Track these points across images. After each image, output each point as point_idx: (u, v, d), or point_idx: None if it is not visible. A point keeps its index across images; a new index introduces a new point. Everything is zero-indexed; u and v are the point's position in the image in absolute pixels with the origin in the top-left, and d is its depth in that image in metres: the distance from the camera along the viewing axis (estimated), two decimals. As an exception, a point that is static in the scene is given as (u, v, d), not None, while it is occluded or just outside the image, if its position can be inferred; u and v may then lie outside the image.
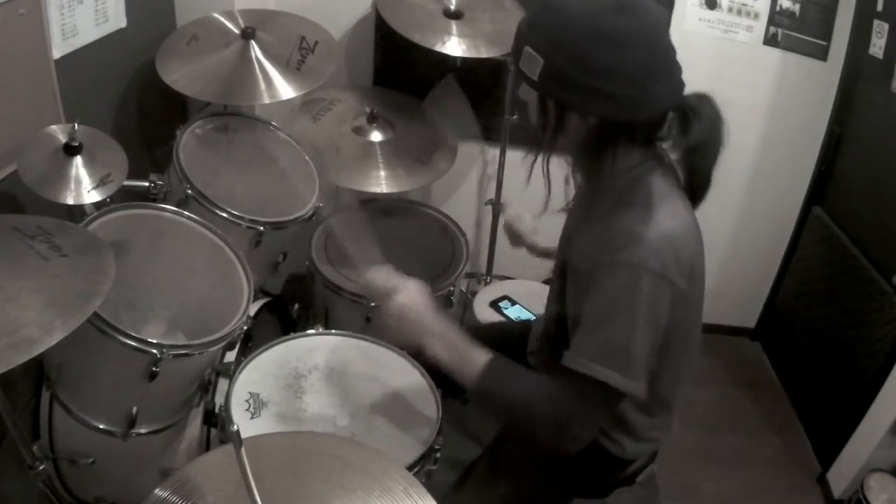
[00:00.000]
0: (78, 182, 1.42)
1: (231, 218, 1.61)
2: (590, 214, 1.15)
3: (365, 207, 2.24)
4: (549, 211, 1.21)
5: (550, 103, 1.05)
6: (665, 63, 1.02)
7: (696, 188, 1.11)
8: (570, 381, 1.01)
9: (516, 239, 1.63)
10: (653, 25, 1.01)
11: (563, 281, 1.21)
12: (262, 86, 1.80)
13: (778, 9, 2.21)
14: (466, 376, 1.09)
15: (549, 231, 1.43)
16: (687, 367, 1.21)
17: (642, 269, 0.98)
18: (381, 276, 1.24)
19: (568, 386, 1.02)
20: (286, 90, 1.81)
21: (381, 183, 2.05)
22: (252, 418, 1.30)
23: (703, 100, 1.06)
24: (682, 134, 1.05)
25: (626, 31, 0.97)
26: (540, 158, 1.12)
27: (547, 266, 1.58)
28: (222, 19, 1.93)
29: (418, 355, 1.26)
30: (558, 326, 1.25)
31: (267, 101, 1.79)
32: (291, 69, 1.86)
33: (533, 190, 1.18)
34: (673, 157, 1.12)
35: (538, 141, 1.11)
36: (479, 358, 1.09)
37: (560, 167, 1.17)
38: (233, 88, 1.78)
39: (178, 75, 1.79)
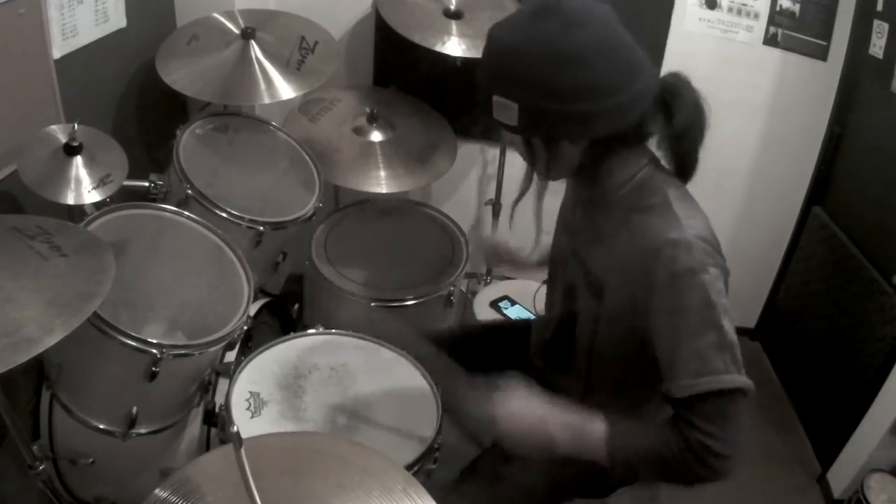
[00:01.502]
0: (78, 182, 1.42)
1: (231, 218, 1.61)
2: (601, 229, 1.13)
3: (365, 207, 2.25)
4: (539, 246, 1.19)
5: (537, 141, 1.04)
6: (631, 59, 0.99)
7: (686, 171, 1.09)
8: (701, 406, 0.96)
9: (496, 260, 1.58)
10: (606, 28, 0.98)
11: (572, 294, 1.20)
12: (262, 86, 1.80)
13: (778, 9, 2.21)
14: (594, 457, 1.03)
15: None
16: None
17: (702, 270, 0.97)
18: (479, 395, 1.14)
19: (701, 414, 0.96)
20: (286, 90, 1.81)
21: (381, 183, 2.05)
22: (252, 418, 1.30)
23: (678, 80, 1.04)
24: (667, 121, 1.03)
25: (582, 46, 0.95)
26: (536, 196, 1.12)
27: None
28: (222, 19, 1.94)
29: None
30: (565, 331, 1.25)
31: (267, 101, 1.79)
32: (291, 69, 1.86)
33: (533, 189, 1.18)
34: (653, 142, 1.09)
35: (532, 176, 1.10)
36: (598, 432, 1.03)
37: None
38: (233, 88, 1.78)
39: (178, 75, 1.79)
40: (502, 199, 2.38)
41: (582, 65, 0.95)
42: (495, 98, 1.00)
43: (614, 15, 1.00)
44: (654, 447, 1.01)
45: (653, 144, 1.10)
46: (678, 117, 1.01)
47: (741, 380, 0.97)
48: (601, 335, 1.17)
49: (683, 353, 0.98)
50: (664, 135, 1.06)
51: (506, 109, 1.00)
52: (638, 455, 1.03)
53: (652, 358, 1.04)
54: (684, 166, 1.09)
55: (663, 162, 1.11)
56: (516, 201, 1.17)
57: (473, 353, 1.54)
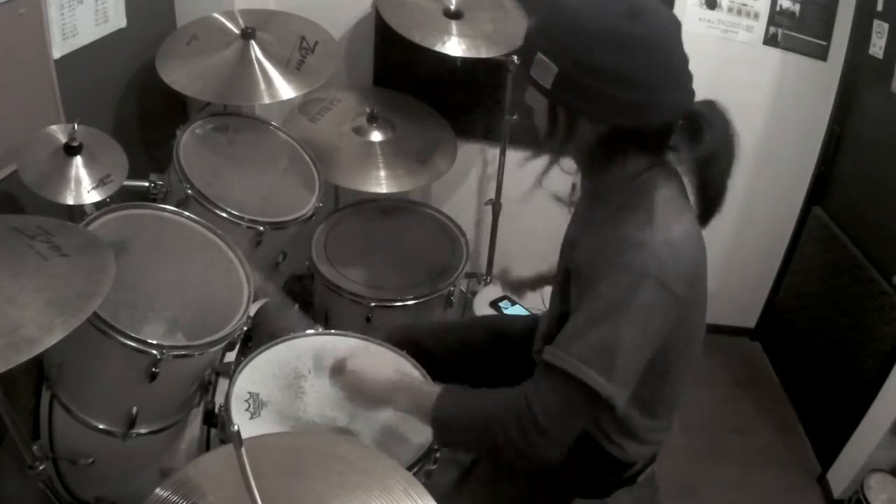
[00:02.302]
0: (78, 182, 1.42)
1: (231, 218, 1.61)
2: (593, 219, 1.14)
3: (365, 207, 2.25)
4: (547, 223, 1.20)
5: (561, 110, 1.04)
6: (677, 71, 1.01)
7: (709, 201, 1.09)
8: (546, 376, 1.00)
9: (518, 288, 1.62)
10: (665, 32, 1.00)
11: (567, 284, 1.21)
12: (262, 86, 1.80)
13: (778, 9, 2.21)
14: (426, 411, 1.09)
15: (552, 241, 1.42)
16: (688, 371, 1.21)
17: (643, 275, 0.96)
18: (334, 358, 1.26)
19: (544, 381, 1.00)
20: (286, 90, 1.81)
21: (381, 183, 2.05)
22: (252, 418, 1.30)
23: (713, 108, 1.05)
24: (693, 143, 1.04)
25: (639, 36, 0.96)
26: (546, 165, 1.12)
27: (540, 276, 1.59)
28: (222, 19, 1.93)
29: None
30: (559, 327, 1.25)
31: (267, 101, 1.79)
32: (291, 69, 1.86)
33: (532, 190, 1.17)
34: (682, 169, 1.10)
35: (546, 146, 1.10)
36: (434, 389, 1.11)
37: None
38: (233, 88, 1.78)
39: (178, 75, 1.79)
40: (502, 199, 2.38)
41: (628, 52, 0.96)
42: (539, 56, 1.01)
43: (679, 30, 1.02)
44: (485, 404, 1.05)
45: (680, 167, 1.11)
46: (706, 141, 1.02)
47: (599, 382, 0.96)
48: None
49: (570, 326, 1.00)
50: (690, 158, 1.06)
51: (545, 69, 1.00)
52: (462, 408, 1.08)
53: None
54: (709, 198, 1.08)
55: (689, 190, 1.10)
56: (542, 175, 1.15)
57: (476, 350, 1.55)
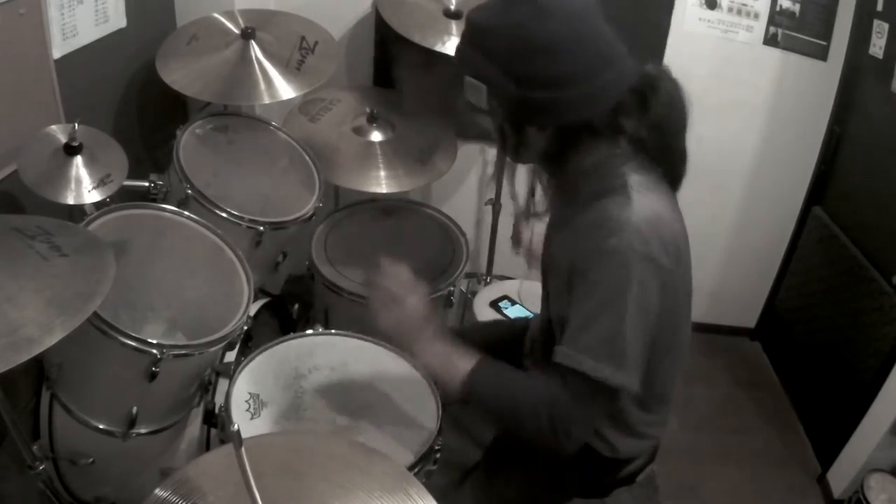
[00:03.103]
0: (78, 182, 1.42)
1: (231, 218, 1.61)
2: (566, 215, 1.13)
3: (365, 207, 2.25)
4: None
5: (506, 125, 1.05)
6: (606, 51, 0.99)
7: (672, 167, 1.08)
8: (562, 378, 0.99)
9: (518, 241, 1.61)
10: (577, 19, 0.97)
11: (550, 284, 1.21)
12: (262, 86, 1.80)
13: (778, 9, 2.21)
14: (455, 382, 1.07)
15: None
16: (680, 361, 1.20)
17: (629, 254, 0.95)
18: (392, 276, 1.18)
19: (560, 384, 0.99)
20: (286, 90, 1.81)
21: (381, 183, 2.04)
22: (252, 418, 1.30)
23: (658, 72, 1.03)
24: (642, 113, 1.02)
25: (553, 34, 0.95)
26: (507, 172, 1.13)
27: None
28: (222, 19, 1.93)
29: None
30: (547, 328, 1.25)
31: (267, 101, 1.79)
32: (291, 69, 1.86)
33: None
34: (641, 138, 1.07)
35: (504, 157, 1.11)
36: (466, 363, 1.08)
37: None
38: (233, 88, 1.78)
39: (178, 75, 1.79)
40: (502, 199, 2.38)
41: (548, 54, 0.96)
42: (467, 79, 1.02)
43: (594, 6, 1.00)
44: (517, 399, 1.04)
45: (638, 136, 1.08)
46: (653, 110, 1.01)
47: (611, 374, 0.96)
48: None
49: (575, 324, 0.99)
50: (644, 129, 1.04)
51: (476, 91, 1.01)
52: (495, 400, 1.06)
53: None
54: (671, 164, 1.08)
55: (652, 163, 1.08)
56: (511, 184, 1.18)
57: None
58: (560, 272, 1.08)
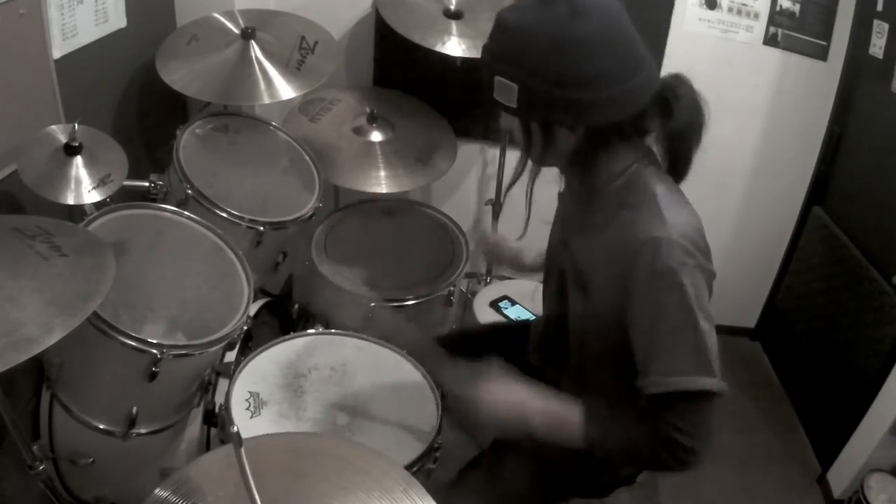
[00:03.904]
0: (78, 182, 1.42)
1: (231, 218, 1.61)
2: (589, 220, 1.13)
3: (365, 207, 2.25)
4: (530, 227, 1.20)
5: (534, 125, 1.04)
6: (635, 55, 1.00)
7: (679, 170, 1.10)
8: (663, 407, 1.00)
9: (496, 259, 1.59)
10: (612, 21, 0.98)
11: (563, 286, 1.21)
12: (262, 86, 1.80)
13: (778, 9, 2.21)
14: (569, 442, 1.08)
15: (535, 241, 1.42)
16: None
17: (683, 270, 0.98)
18: (461, 377, 1.18)
19: (664, 413, 1.00)
20: (286, 90, 1.81)
21: (381, 183, 2.05)
22: (252, 418, 1.30)
23: (679, 81, 1.04)
24: (665, 119, 1.04)
25: (588, 34, 0.95)
26: (529, 180, 1.13)
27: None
28: (222, 19, 1.93)
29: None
30: (559, 326, 1.25)
31: (267, 101, 1.79)
32: (291, 69, 1.86)
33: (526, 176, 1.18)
34: (651, 140, 1.10)
35: (527, 161, 1.11)
36: (574, 419, 1.08)
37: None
38: (233, 88, 1.78)
39: (178, 75, 1.79)
40: (502, 199, 2.38)
41: (583, 53, 0.96)
42: (497, 79, 1.01)
43: (622, 9, 1.00)
44: (628, 435, 1.05)
45: (650, 142, 1.10)
46: (677, 116, 1.02)
47: (710, 382, 0.98)
48: (589, 330, 1.17)
49: (656, 351, 1.00)
50: (661, 133, 1.07)
51: (506, 90, 1.01)
52: (613, 442, 1.06)
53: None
54: (678, 166, 1.10)
55: (659, 159, 1.11)
56: (509, 186, 1.18)
57: (472, 355, 1.55)
58: (595, 282, 1.09)
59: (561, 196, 1.31)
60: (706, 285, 1.01)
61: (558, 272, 1.24)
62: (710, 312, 1.00)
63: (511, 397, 1.12)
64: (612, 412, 1.08)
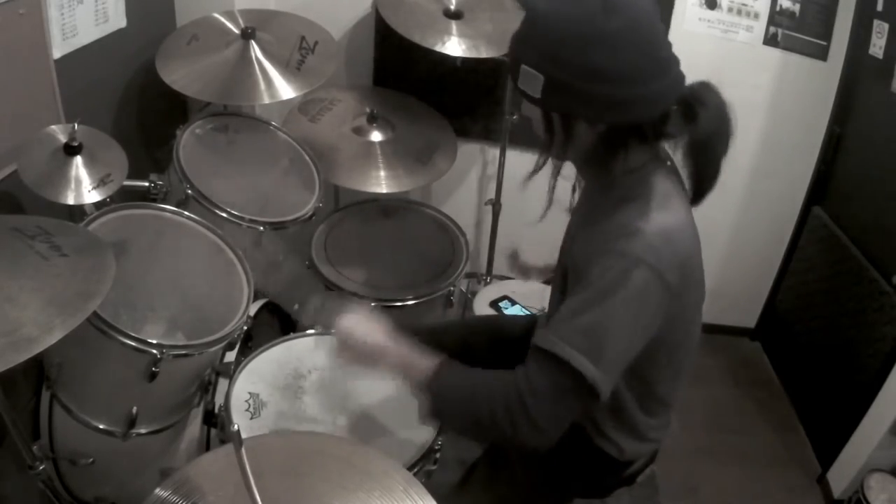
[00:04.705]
0: (78, 182, 1.42)
1: (231, 218, 1.61)
2: (592, 214, 1.14)
3: (365, 207, 2.25)
4: (549, 218, 1.20)
5: (556, 116, 1.04)
6: (664, 57, 1.00)
7: (704, 181, 1.09)
8: (535, 358, 0.99)
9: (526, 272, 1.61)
10: (644, 20, 0.98)
11: (565, 281, 1.21)
12: (262, 86, 1.80)
13: (778, 9, 2.21)
14: (419, 383, 1.08)
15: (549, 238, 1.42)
16: (685, 368, 1.21)
17: (637, 262, 0.95)
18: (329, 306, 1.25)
19: (533, 363, 0.99)
20: (286, 90, 1.81)
21: (381, 183, 2.05)
22: (252, 418, 1.30)
23: (706, 88, 1.04)
24: (689, 125, 1.03)
25: (618, 30, 0.95)
26: (550, 170, 1.12)
27: (548, 266, 1.59)
28: (222, 19, 1.93)
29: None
30: None
31: (267, 101, 1.79)
32: (292, 69, 1.86)
33: (533, 189, 1.18)
34: (676, 152, 1.09)
35: (547, 154, 1.10)
36: (428, 362, 1.08)
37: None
38: (233, 88, 1.78)
39: (178, 75, 1.79)
40: (502, 199, 2.38)
41: (611, 49, 0.95)
42: (523, 67, 1.00)
43: (656, 9, 1.00)
44: (482, 381, 1.04)
45: (670, 147, 1.10)
46: (701, 124, 1.01)
47: (590, 369, 0.95)
48: None
49: (562, 312, 1.00)
50: (686, 141, 1.05)
51: (532, 80, 1.00)
52: (456, 384, 1.06)
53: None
54: (702, 178, 1.08)
55: (683, 172, 1.10)
56: (530, 175, 1.17)
57: (475, 351, 1.55)
58: (577, 267, 1.08)
59: (574, 191, 1.31)
60: (659, 294, 0.98)
61: (563, 267, 1.24)
62: (641, 317, 0.98)
63: (369, 333, 1.15)
64: (468, 369, 1.08)
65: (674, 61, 1.02)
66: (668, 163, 1.11)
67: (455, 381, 1.07)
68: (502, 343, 1.54)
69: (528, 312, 2.11)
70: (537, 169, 1.15)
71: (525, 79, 1.01)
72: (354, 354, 1.17)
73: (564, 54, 0.96)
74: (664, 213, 1.01)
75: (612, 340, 0.96)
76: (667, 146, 1.10)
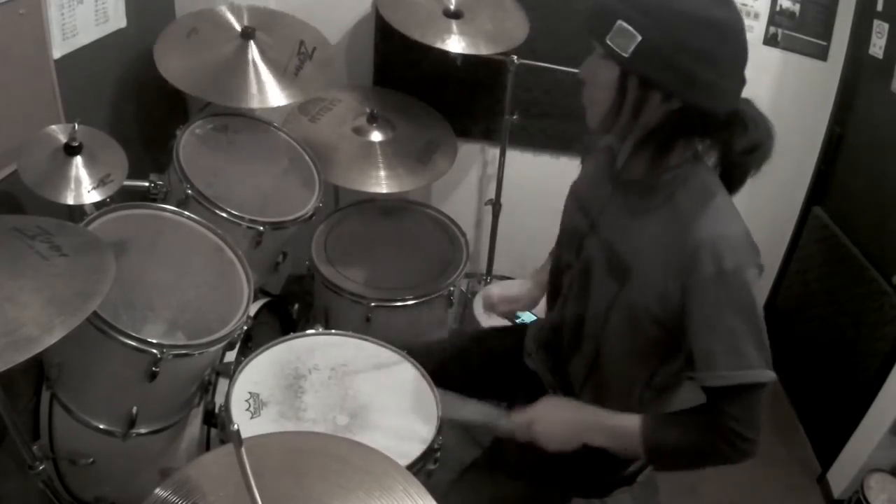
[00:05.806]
0: (78, 182, 1.42)
1: (231, 218, 1.61)
2: (635, 204, 1.15)
3: (365, 207, 2.25)
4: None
5: (633, 82, 1.03)
6: (743, 63, 1.04)
7: (732, 183, 1.15)
8: (728, 399, 1.04)
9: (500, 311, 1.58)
10: (742, 24, 1.03)
11: (587, 279, 1.21)
12: (255, 89, 1.78)
13: (778, 9, 2.21)
14: (631, 449, 1.14)
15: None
16: None
17: (746, 269, 1.02)
18: (519, 415, 1.25)
19: (738, 402, 1.04)
20: (277, 97, 1.79)
21: (381, 183, 2.05)
22: (252, 418, 1.30)
23: (750, 105, 1.09)
24: (740, 133, 1.07)
25: (725, 21, 0.99)
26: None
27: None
28: (226, 13, 1.90)
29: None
30: (577, 327, 1.26)
31: (256, 105, 1.77)
32: (289, 75, 1.84)
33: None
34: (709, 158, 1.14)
35: (615, 118, 1.08)
36: (632, 425, 1.13)
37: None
38: (225, 88, 1.76)
39: (173, 66, 1.75)
40: (502, 199, 2.38)
41: (715, 34, 0.99)
42: (620, 23, 1.00)
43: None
44: (687, 433, 1.10)
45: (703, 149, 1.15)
46: (751, 133, 1.06)
47: (769, 374, 1.04)
48: (616, 316, 1.16)
49: (723, 347, 1.03)
50: (726, 149, 1.10)
51: (626, 38, 1.00)
52: (672, 442, 1.11)
53: (661, 340, 1.12)
54: (733, 179, 1.15)
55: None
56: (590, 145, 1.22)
57: (467, 358, 1.55)
58: (643, 266, 1.11)
59: (577, 187, 1.32)
60: (758, 279, 1.06)
61: (582, 262, 1.23)
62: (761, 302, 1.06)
63: (567, 415, 1.20)
64: (665, 415, 1.14)
65: (744, 71, 1.06)
66: (704, 160, 1.15)
67: (668, 440, 1.12)
68: (493, 355, 1.55)
69: (527, 313, 2.10)
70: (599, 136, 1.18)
71: (618, 35, 1.00)
72: (561, 441, 1.19)
73: (671, 24, 0.98)
74: (733, 213, 1.09)
75: (764, 336, 1.04)
76: (701, 148, 1.14)
